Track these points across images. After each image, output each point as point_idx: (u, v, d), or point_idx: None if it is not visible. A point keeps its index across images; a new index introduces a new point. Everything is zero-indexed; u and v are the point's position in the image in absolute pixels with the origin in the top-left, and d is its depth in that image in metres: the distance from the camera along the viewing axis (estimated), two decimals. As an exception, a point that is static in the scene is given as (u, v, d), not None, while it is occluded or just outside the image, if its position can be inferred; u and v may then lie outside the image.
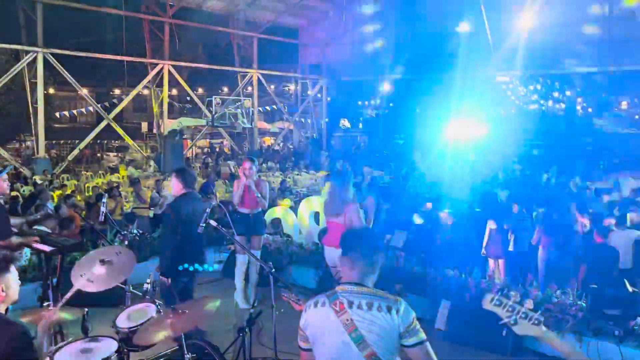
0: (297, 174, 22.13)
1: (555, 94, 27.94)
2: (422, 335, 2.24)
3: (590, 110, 33.91)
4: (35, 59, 18.89)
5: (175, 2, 22.55)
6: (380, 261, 2.45)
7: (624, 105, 28.55)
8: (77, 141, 25.01)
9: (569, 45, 20.82)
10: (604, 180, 18.19)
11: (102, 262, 3.93)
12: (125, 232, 4.72)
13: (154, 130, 28.36)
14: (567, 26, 20.83)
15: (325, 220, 5.51)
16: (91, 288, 3.92)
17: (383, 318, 2.22)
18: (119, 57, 22.24)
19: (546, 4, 20.01)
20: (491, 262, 8.59)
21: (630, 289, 5.05)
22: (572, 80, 26.26)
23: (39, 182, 16.20)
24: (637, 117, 32.31)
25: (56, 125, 30.62)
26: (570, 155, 23.81)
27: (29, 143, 28.96)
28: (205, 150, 34.91)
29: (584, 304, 5.15)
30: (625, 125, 34.99)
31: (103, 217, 4.52)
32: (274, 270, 3.64)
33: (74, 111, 32.21)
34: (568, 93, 27.37)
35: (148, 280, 3.96)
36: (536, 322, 1.96)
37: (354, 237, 2.47)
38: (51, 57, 19.28)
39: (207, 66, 26.37)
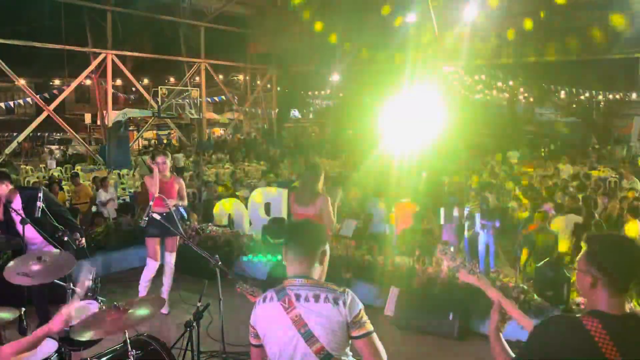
0: (248, 165, 21.96)
1: (499, 84, 28.78)
2: (370, 327, 2.25)
3: (531, 99, 35.21)
4: (-34, 47, 17.92)
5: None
6: (327, 252, 2.44)
7: (563, 94, 29.73)
8: (15, 134, 23.91)
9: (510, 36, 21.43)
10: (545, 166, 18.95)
11: (39, 259, 3.80)
12: (63, 228, 4.53)
13: (98, 122, 27.44)
14: (510, 17, 21.45)
15: (294, 211, 5.41)
16: (28, 282, 3.79)
17: (330, 309, 2.22)
18: (58, 46, 21.30)
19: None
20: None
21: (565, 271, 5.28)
22: (514, 70, 27.09)
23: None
24: (574, 105, 33.69)
25: (-9, 118, 29.16)
26: (514, 143, 24.69)
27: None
28: (153, 142, 34.11)
29: (525, 287, 5.35)
30: (563, 114, 36.55)
31: (39, 213, 4.34)
32: (220, 263, 3.59)
33: (11, 103, 30.67)
34: (511, 83, 28.27)
35: (90, 277, 3.83)
36: (472, 272, 2.31)
37: (296, 230, 2.45)
38: (-16, 46, 18.34)
39: (152, 56, 25.65)
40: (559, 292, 5.09)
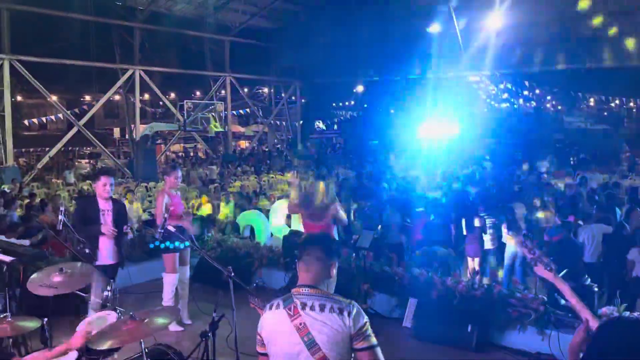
0: (273, 177, 22.12)
1: (525, 92, 28.43)
2: (373, 340, 2.27)
3: (560, 107, 34.65)
4: (1, 66, 18.53)
5: (144, 7, 22.34)
6: (336, 265, 2.49)
7: (592, 102, 29.19)
8: (47, 149, 24.59)
9: (536, 45, 21.22)
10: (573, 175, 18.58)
11: (61, 270, 3.91)
12: (84, 240, 4.67)
13: (127, 136, 28.05)
14: (535, 25, 21.25)
15: (306, 224, 5.34)
16: (50, 292, 3.91)
17: (335, 320, 2.25)
18: (88, 63, 21.94)
19: (514, 3, 20.38)
20: (469, 260, 8.73)
21: (588, 281, 5.17)
22: (541, 78, 26.72)
23: (7, 190, 15.89)
24: (605, 113, 33.05)
25: (25, 133, 30.06)
26: (542, 152, 24.27)
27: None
28: (180, 154, 34.67)
29: (545, 298, 5.27)
30: (593, 121, 35.84)
31: (61, 225, 4.47)
32: (233, 274, 3.65)
33: (44, 118, 31.71)
34: (537, 91, 27.90)
35: (109, 288, 3.94)
36: (548, 268, 2.32)
37: (310, 241, 2.51)
38: (18, 64, 18.94)
39: (178, 71, 26.19)
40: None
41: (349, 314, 2.26)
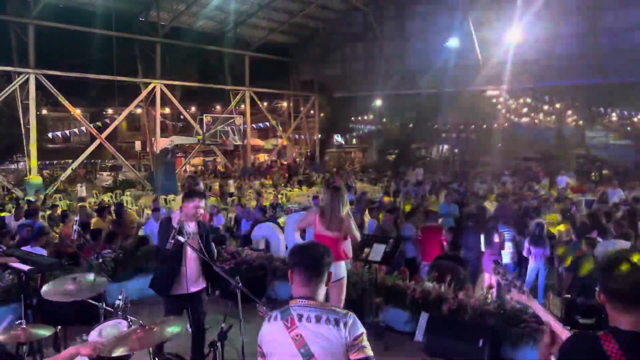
0: (290, 190, 22.20)
1: (545, 107, 28.15)
2: (369, 352, 2.28)
3: (581, 122, 34.19)
4: (27, 80, 19.02)
5: (166, 23, 22.79)
6: (332, 274, 2.49)
7: (614, 117, 28.77)
8: (70, 161, 25.08)
9: (557, 58, 21.09)
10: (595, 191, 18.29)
11: (74, 279, 3.99)
12: (99, 252, 4.74)
13: (147, 149, 28.46)
14: (554, 40, 21.15)
15: (319, 233, 5.32)
16: (65, 299, 3.99)
17: (330, 331, 2.27)
18: (111, 77, 22.40)
19: (534, 18, 20.32)
20: (486, 275, 8.63)
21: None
22: (561, 93, 26.47)
23: (33, 200, 16.22)
24: (628, 128, 32.53)
25: (49, 146, 30.66)
26: (563, 168, 23.96)
27: (22, 164, 28.93)
28: (199, 168, 35.00)
29: (559, 315, 5.19)
30: (616, 136, 35.26)
31: (76, 235, 4.56)
32: (240, 284, 3.69)
33: (67, 131, 32.39)
34: (557, 106, 27.62)
35: (120, 297, 4.00)
36: (522, 291, 2.38)
37: (303, 251, 2.51)
38: (43, 78, 19.41)
39: (199, 85, 26.59)
40: (592, 320, 4.90)
41: (345, 324, 2.27)
